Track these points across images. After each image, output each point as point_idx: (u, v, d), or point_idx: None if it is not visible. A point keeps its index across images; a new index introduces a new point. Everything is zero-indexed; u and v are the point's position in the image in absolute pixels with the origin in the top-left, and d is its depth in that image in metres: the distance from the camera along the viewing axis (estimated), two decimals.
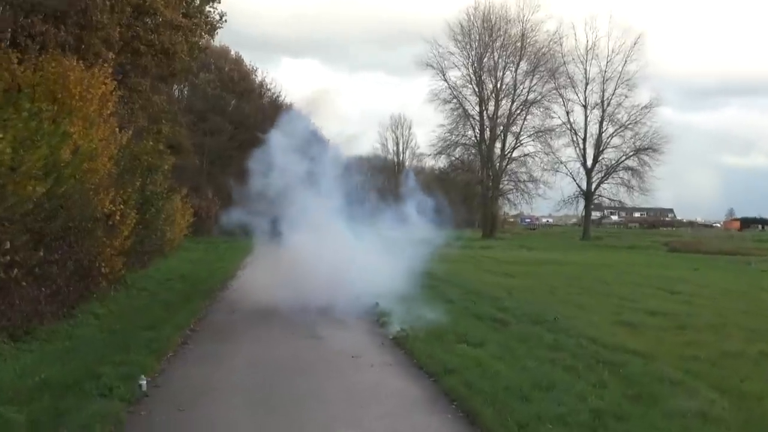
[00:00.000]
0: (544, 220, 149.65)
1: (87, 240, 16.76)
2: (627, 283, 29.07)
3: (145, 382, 9.59)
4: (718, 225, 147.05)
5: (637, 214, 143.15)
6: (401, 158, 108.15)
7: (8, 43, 19.40)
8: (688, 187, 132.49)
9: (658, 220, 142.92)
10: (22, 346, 12.15)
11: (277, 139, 22.14)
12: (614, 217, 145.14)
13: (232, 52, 67.11)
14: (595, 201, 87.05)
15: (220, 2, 30.11)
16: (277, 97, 67.91)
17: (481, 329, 15.53)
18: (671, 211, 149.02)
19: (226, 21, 31.01)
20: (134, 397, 9.30)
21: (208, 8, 30.51)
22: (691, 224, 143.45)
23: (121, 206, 19.13)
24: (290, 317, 16.97)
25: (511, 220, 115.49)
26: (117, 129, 19.34)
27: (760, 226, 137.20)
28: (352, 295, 20.92)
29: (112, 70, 19.60)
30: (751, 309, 21.69)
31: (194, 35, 29.40)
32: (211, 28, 31.05)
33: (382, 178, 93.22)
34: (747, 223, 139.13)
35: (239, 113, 62.30)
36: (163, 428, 8.68)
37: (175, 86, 53.42)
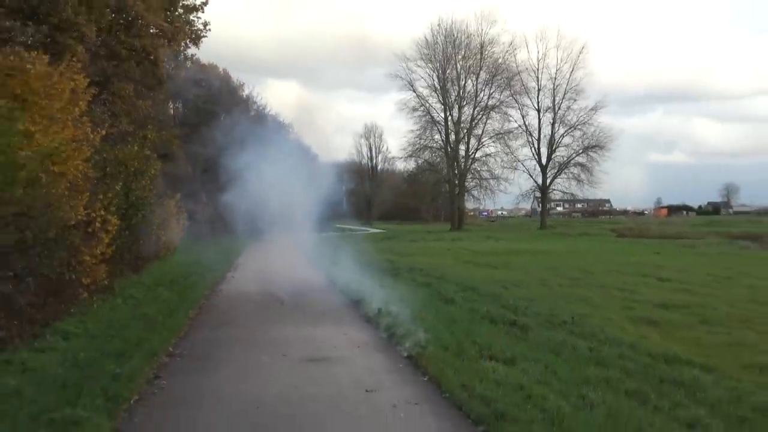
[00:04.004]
0: (499, 212, 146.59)
1: (57, 250, 12.80)
2: (609, 271, 25.63)
3: None
4: (646, 212, 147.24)
5: (578, 205, 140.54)
6: (374, 162, 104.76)
7: None
8: (620, 180, 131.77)
9: (597, 210, 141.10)
10: None
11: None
12: (559, 208, 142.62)
13: (220, 69, 63.04)
14: (549, 194, 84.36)
15: (203, 11, 26.29)
16: (263, 109, 64.22)
17: (501, 338, 11.68)
18: (608, 201, 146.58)
19: (209, 30, 27.20)
20: None
21: (192, 17, 26.69)
22: (625, 212, 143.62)
23: (102, 212, 15.21)
24: (281, 329, 12.99)
25: (471, 213, 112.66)
26: (89, 130, 15.22)
27: (685, 212, 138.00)
28: (346, 297, 17.31)
29: (81, 65, 15.48)
30: (755, 297, 18.17)
31: (177, 43, 25.57)
32: (196, 37, 27.20)
33: (355, 183, 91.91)
34: (673, 210, 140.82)
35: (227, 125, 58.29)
36: None
37: (171, 103, 49.79)
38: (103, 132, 16.01)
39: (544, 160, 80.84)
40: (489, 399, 7.61)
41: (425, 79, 79.37)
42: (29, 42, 15.64)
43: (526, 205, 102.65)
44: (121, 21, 20.65)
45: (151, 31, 22.33)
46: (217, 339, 12.09)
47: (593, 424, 6.89)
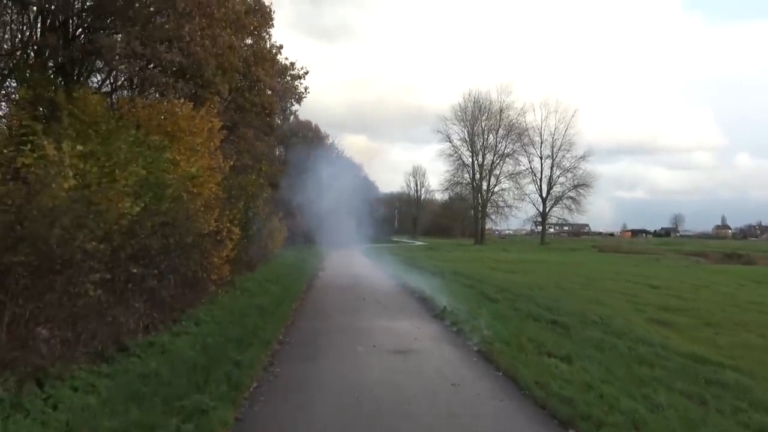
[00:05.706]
0: (506, 231, 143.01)
1: (193, 253, 11.55)
2: (607, 278, 23.39)
3: None
4: (615, 234, 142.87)
5: (565, 227, 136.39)
6: (419, 193, 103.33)
7: (136, 90, 14.64)
8: (596, 209, 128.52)
9: (579, 231, 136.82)
10: (104, 369, 6.78)
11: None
12: (551, 230, 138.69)
13: (312, 124, 62.73)
14: (547, 219, 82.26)
15: (304, 79, 25.47)
16: (341, 153, 63.81)
17: (548, 335, 9.95)
18: (587, 225, 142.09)
19: (309, 93, 26.16)
20: None
21: (296, 83, 25.75)
22: (600, 234, 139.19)
23: (228, 224, 14.00)
24: (367, 320, 11.43)
25: (488, 232, 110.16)
26: (221, 161, 14.08)
27: (644, 234, 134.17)
28: (411, 295, 15.75)
29: (216, 111, 14.41)
30: (735, 303, 16.07)
31: (285, 101, 24.79)
32: (298, 98, 26.24)
33: (404, 208, 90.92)
34: (635, 232, 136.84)
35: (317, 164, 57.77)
36: None
37: (279, 149, 49.12)
38: (231, 163, 14.92)
39: (544, 194, 78.64)
40: (567, 398, 5.97)
41: (458, 134, 77.81)
42: (179, 95, 14.64)
43: (527, 227, 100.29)
44: (246, 83, 19.82)
45: (268, 91, 21.46)
46: (316, 328, 10.61)
47: (674, 429, 5.23)
